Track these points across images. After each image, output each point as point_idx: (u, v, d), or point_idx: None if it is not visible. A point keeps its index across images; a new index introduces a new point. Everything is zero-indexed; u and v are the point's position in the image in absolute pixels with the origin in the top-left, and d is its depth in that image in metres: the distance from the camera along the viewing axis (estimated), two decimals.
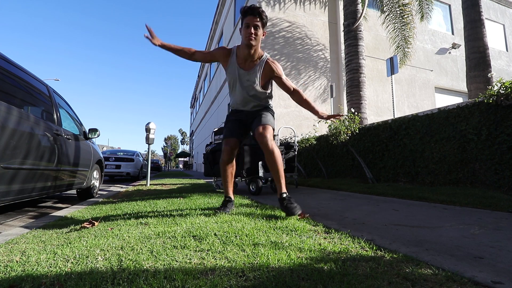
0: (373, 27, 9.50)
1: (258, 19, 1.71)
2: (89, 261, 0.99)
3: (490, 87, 2.77)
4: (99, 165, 4.07)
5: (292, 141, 5.05)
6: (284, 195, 1.75)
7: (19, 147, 1.99)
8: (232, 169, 2.00)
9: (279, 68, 1.92)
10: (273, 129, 1.94)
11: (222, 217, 1.71)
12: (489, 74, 5.00)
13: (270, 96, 2.03)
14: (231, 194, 2.04)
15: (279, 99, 8.08)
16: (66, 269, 0.92)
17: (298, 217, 1.65)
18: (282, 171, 1.80)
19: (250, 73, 1.86)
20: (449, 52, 10.91)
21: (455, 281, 0.78)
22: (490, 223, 1.56)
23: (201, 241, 1.19)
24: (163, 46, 1.85)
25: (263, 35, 1.80)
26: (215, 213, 1.85)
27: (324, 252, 1.04)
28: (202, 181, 6.59)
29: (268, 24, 8.19)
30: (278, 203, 1.85)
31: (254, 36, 1.72)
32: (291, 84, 1.98)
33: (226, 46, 2.08)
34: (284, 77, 1.95)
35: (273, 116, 2.04)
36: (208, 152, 4.06)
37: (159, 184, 5.66)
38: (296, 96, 1.99)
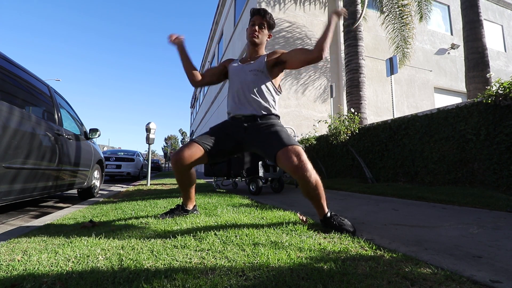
0: (373, 27, 9.51)
1: (263, 19, 1.71)
2: (90, 260, 1.00)
3: (489, 87, 2.78)
4: (100, 165, 4.08)
5: None
6: (329, 214, 1.42)
7: (20, 147, 1.99)
8: (186, 177, 1.65)
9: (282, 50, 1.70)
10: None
11: (222, 217, 1.72)
12: (488, 74, 5.01)
13: (273, 94, 1.67)
14: (187, 203, 1.82)
15: (279, 99, 8.07)
16: (67, 268, 0.93)
17: (299, 219, 1.66)
18: (323, 193, 1.44)
19: (253, 63, 1.68)
20: (448, 53, 10.92)
21: (454, 280, 0.79)
22: (489, 223, 1.56)
23: (201, 241, 1.20)
24: (180, 47, 1.69)
25: (269, 37, 1.77)
26: (157, 218, 1.72)
27: (324, 251, 1.05)
28: (202, 181, 6.60)
29: None
30: (317, 219, 1.51)
31: (257, 34, 1.69)
32: (306, 49, 1.56)
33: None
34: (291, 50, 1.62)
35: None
36: None
37: (160, 184, 5.67)
38: (314, 52, 1.49)
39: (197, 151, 1.53)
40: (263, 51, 1.78)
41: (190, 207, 1.84)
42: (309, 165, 1.37)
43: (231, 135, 1.63)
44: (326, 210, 1.45)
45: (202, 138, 1.59)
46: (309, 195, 1.42)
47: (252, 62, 1.70)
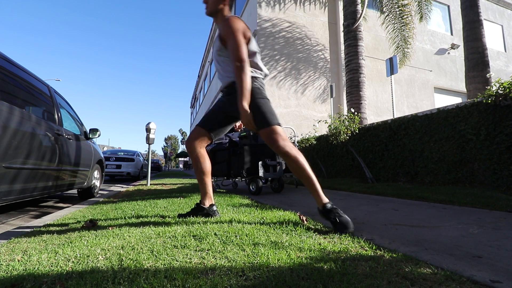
0: (373, 27, 9.51)
1: None
2: (90, 260, 1.00)
3: (489, 87, 2.78)
4: (100, 165, 4.08)
5: (292, 141, 5.05)
6: (329, 206, 1.39)
7: (20, 147, 1.99)
8: (200, 162, 1.72)
9: (226, 25, 1.55)
10: (278, 124, 1.53)
11: (222, 217, 1.72)
12: (488, 74, 5.02)
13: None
14: (206, 200, 1.76)
15: (279, 99, 8.08)
16: (67, 269, 0.93)
17: (299, 219, 1.66)
18: (314, 176, 1.45)
19: (215, 41, 1.72)
20: (448, 53, 10.93)
21: (454, 280, 0.79)
22: (489, 223, 1.56)
23: (201, 241, 1.20)
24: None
25: (223, 4, 1.68)
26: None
27: (324, 251, 1.05)
28: None
29: (268, 24, 8.23)
30: (318, 216, 1.51)
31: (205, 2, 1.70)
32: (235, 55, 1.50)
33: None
34: (230, 42, 1.54)
35: (265, 102, 1.57)
36: (208, 152, 4.07)
37: (160, 184, 5.67)
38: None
39: (200, 131, 1.76)
40: (220, 15, 1.70)
41: (206, 204, 1.75)
42: (289, 143, 1.51)
43: (220, 108, 1.80)
44: (326, 200, 1.43)
45: (202, 120, 1.81)
46: (299, 175, 1.49)
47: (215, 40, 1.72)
